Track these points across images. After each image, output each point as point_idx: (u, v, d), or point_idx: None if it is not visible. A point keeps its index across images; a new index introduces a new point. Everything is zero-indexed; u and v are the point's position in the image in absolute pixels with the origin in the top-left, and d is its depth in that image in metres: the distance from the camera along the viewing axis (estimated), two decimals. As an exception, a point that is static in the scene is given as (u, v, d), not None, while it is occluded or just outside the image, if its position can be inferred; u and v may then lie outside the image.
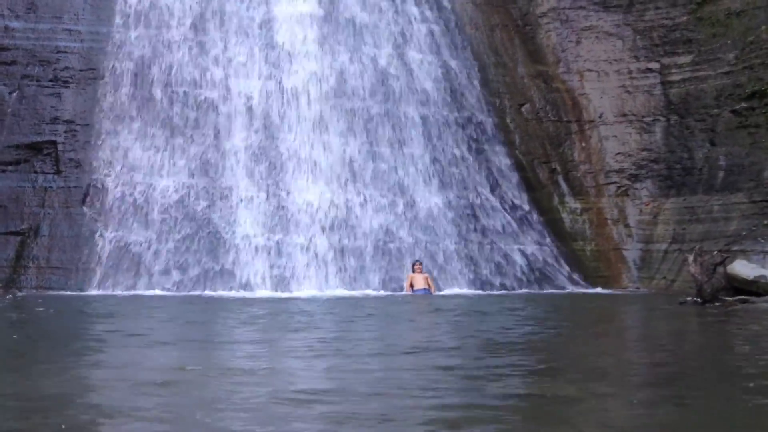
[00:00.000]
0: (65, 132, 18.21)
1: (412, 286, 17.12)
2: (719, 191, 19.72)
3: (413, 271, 17.33)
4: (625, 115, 22.15)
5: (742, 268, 13.72)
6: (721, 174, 19.96)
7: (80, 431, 3.96)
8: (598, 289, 18.99)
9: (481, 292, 17.66)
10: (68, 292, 16.19)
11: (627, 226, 21.07)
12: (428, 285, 17.21)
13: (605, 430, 4.26)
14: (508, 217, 19.97)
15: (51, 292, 16.09)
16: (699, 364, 6.97)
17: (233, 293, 16.23)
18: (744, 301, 12.75)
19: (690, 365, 6.86)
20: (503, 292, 17.79)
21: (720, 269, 13.59)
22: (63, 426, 3.71)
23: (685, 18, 21.88)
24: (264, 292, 16.32)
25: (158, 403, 4.66)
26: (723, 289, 13.39)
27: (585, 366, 6.84)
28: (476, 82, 21.95)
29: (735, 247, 17.28)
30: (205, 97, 19.06)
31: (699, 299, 13.42)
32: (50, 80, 18.48)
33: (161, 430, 4.03)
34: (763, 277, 13.28)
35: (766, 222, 17.91)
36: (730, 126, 20.20)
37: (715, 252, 14.47)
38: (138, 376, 5.59)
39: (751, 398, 4.98)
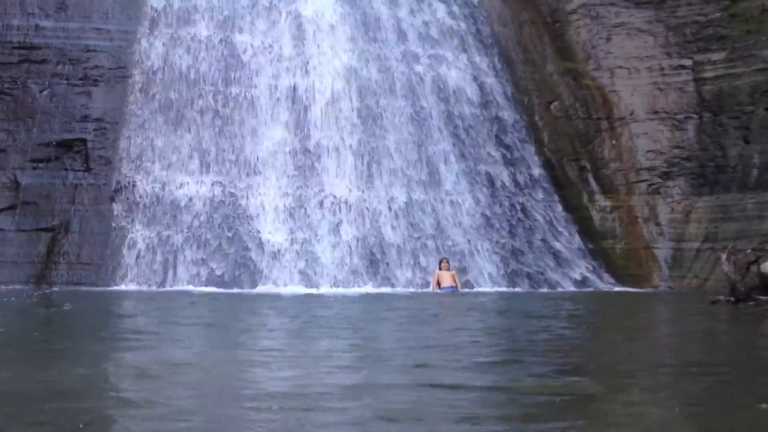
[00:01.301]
0: (95, 130, 18.34)
1: (438, 283, 17.02)
2: (753, 189, 19.39)
3: (440, 269, 17.22)
4: (656, 112, 21.85)
5: (777, 267, 13.43)
6: (755, 172, 19.63)
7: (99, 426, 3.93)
8: (629, 288, 18.74)
9: (509, 290, 17.52)
10: (98, 288, 16.30)
11: (658, 224, 20.78)
12: (455, 282, 17.10)
13: (634, 429, 4.15)
14: (537, 216, 19.79)
15: (81, 288, 16.21)
16: (732, 365, 6.80)
17: (262, 290, 16.24)
18: (778, 301, 12.48)
19: (723, 365, 6.70)
20: (532, 290, 17.63)
21: (754, 268, 13.32)
22: (81, 426, 3.66)
23: (718, 14, 21.54)
24: (292, 289, 16.33)
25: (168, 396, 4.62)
26: (756, 288, 13.12)
27: (614, 365, 6.71)
28: (504, 80, 21.77)
29: (769, 246, 16.98)
30: (233, 95, 19.11)
31: (732, 298, 13.17)
32: (80, 78, 18.62)
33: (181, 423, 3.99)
34: (798, 276, 12.99)
35: (801, 220, 17.58)
36: (764, 123, 19.85)
37: (749, 251, 14.19)
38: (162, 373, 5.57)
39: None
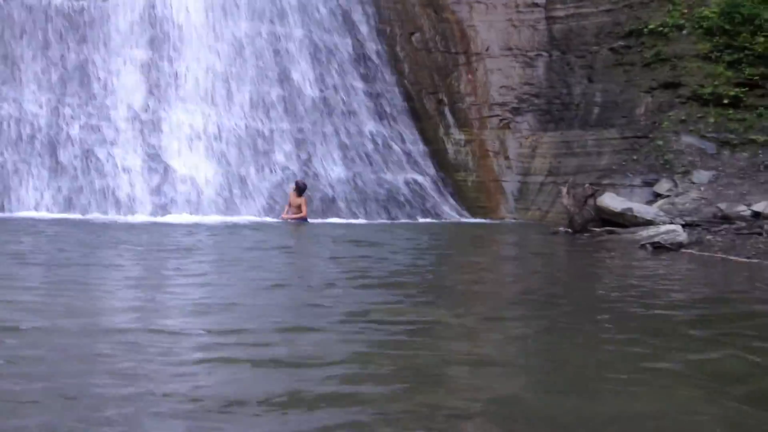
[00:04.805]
0: (-72, 44, 17.05)
1: (299, 211, 16.64)
2: (594, 126, 20.49)
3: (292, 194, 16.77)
4: (510, 49, 22.52)
5: (611, 201, 14.51)
6: (596, 110, 20.72)
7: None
8: (478, 219, 19.60)
9: (364, 221, 17.88)
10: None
11: (507, 158, 21.68)
12: (302, 210, 16.68)
13: (472, 355, 4.51)
14: (395, 146, 20.17)
15: None
16: (566, 291, 7.43)
17: (110, 217, 15.84)
18: (611, 232, 13.52)
19: (557, 291, 7.30)
20: (386, 221, 18.08)
21: (591, 201, 14.32)
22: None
23: (571, -46, 22.24)
24: (142, 217, 15.98)
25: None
26: (593, 221, 14.15)
27: (459, 291, 7.17)
28: (367, 8, 21.77)
29: (605, 181, 18.16)
30: (84, 9, 18.17)
31: (570, 230, 14.15)
32: None
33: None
34: (630, 209, 14.10)
35: (635, 157, 18.84)
36: (607, 63, 20.90)
37: (587, 185, 15.18)
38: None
39: (610, 325, 5.41)
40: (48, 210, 16.08)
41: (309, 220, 16.75)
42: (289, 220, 16.47)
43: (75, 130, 17.14)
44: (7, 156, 16.57)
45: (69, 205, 16.31)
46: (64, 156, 16.84)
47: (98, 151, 17.04)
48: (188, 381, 3.59)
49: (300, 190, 16.79)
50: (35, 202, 16.21)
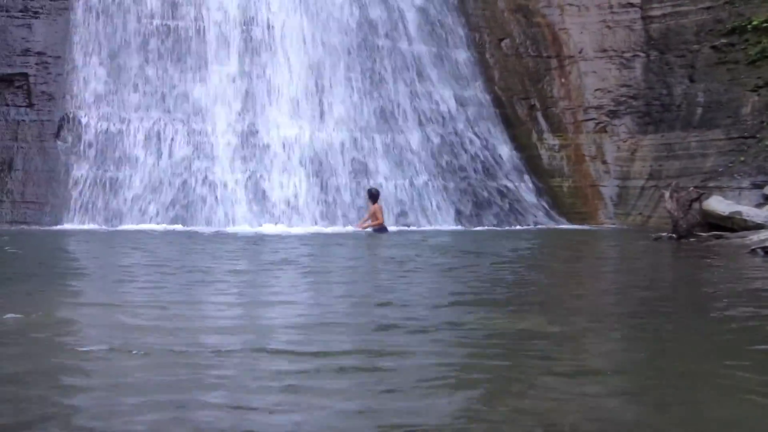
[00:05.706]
0: (37, 64, 17.79)
1: (375, 219, 16.13)
2: (697, 128, 19.75)
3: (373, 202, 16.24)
4: (605, 50, 21.98)
5: (718, 205, 13.88)
6: (699, 110, 19.97)
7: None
8: (575, 225, 19.12)
9: (458, 228, 17.72)
10: (44, 227, 16.08)
11: (604, 162, 21.12)
12: (378, 218, 16.09)
13: (584, 363, 4.31)
14: (487, 153, 19.94)
15: (26, 227, 15.98)
16: (674, 298, 7.07)
17: (211, 229, 16.17)
18: (719, 237, 12.92)
19: (665, 300, 6.95)
20: (481, 228, 17.86)
21: (696, 205, 13.73)
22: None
23: (666, -49, 21.59)
24: (242, 227, 16.28)
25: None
26: (698, 225, 13.56)
27: (563, 300, 6.91)
28: (455, 16, 21.63)
29: (711, 184, 17.42)
30: (180, 28, 18.64)
31: (674, 235, 13.58)
32: (20, 11, 17.93)
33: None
34: (738, 213, 13.45)
35: (742, 158, 18.02)
36: (709, 62, 20.14)
37: (692, 188, 14.58)
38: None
39: (724, 332, 5.09)
40: (153, 221, 16.57)
41: (390, 228, 16.36)
42: (367, 229, 16.06)
43: (175, 145, 17.59)
44: (109, 171, 17.13)
45: (172, 217, 16.73)
46: (163, 170, 17.30)
47: (197, 165, 17.44)
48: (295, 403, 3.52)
49: (373, 197, 16.44)
50: (139, 215, 16.71)
